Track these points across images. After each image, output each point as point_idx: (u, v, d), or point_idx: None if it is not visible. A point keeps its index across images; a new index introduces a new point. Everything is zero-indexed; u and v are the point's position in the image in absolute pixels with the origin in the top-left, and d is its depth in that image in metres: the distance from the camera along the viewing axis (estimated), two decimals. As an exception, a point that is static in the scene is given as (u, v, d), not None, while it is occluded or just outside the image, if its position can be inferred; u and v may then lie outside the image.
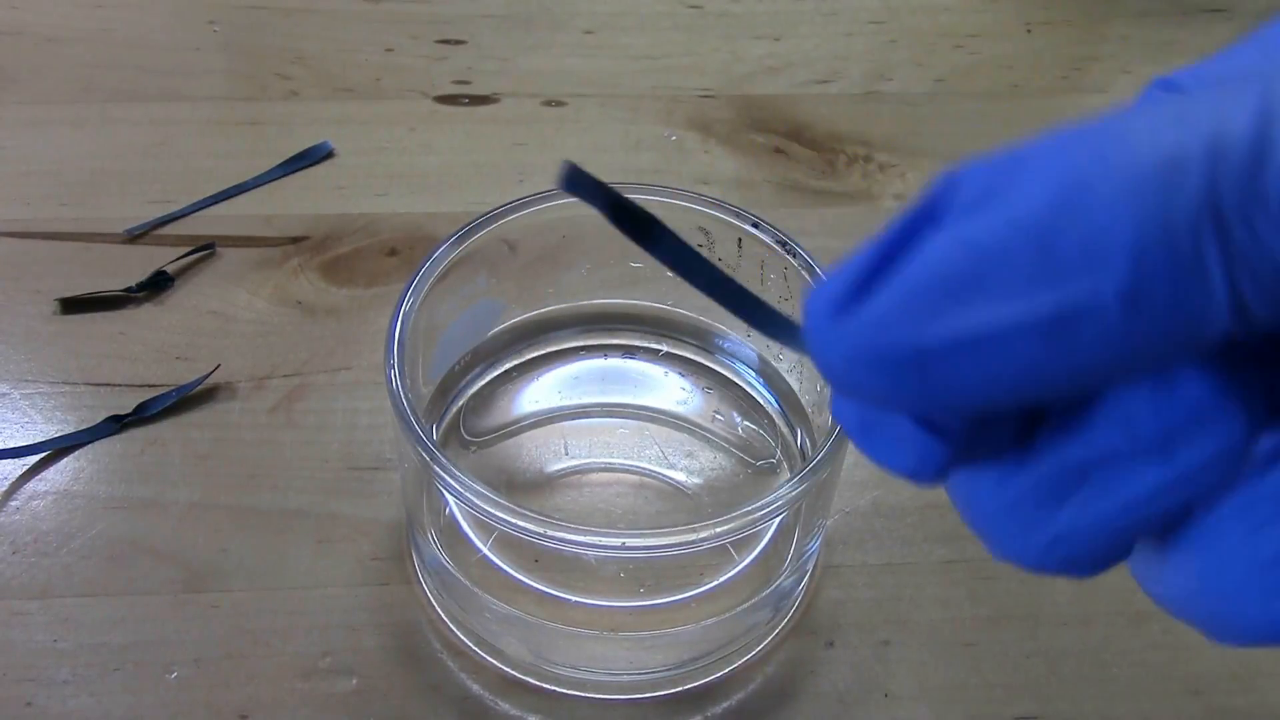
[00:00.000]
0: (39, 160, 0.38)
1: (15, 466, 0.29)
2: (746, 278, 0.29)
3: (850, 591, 0.28)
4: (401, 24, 0.44)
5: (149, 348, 0.32)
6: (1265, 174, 0.12)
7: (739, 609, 0.26)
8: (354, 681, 0.26)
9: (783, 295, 0.28)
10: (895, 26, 0.45)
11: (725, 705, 0.26)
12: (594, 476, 0.29)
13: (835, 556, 0.29)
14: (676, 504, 0.28)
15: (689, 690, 0.26)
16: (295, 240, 0.36)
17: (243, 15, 0.44)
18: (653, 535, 0.22)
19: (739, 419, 0.30)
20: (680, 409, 0.30)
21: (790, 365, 0.29)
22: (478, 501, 0.22)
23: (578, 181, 0.16)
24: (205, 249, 0.35)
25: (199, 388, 0.31)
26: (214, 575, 0.27)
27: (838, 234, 0.37)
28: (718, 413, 0.30)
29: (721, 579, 0.26)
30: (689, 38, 0.44)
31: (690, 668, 0.26)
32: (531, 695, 0.26)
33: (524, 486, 0.28)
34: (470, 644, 0.26)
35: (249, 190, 0.37)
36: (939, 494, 0.30)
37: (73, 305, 0.33)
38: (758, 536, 0.27)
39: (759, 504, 0.23)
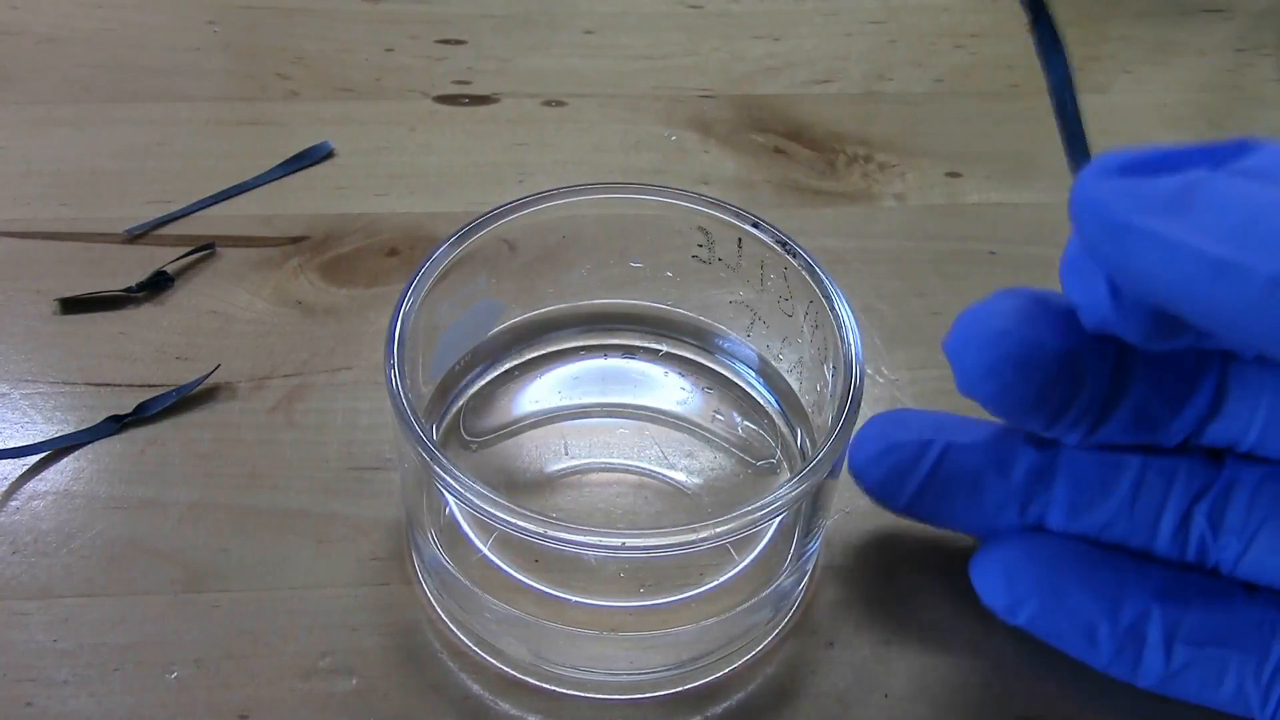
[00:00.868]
0: (39, 160, 0.38)
1: (15, 466, 0.29)
2: (746, 278, 0.29)
3: (850, 591, 0.28)
4: (401, 24, 0.44)
5: (149, 348, 0.32)
6: None
7: (739, 609, 0.26)
8: (354, 681, 0.26)
9: (783, 295, 0.28)
10: (895, 26, 0.45)
11: (725, 705, 0.26)
12: (594, 476, 0.29)
13: (835, 556, 0.29)
14: (676, 504, 0.28)
15: (689, 690, 0.26)
16: (295, 240, 0.36)
17: (243, 15, 0.44)
18: (653, 535, 0.22)
19: (739, 419, 0.30)
20: (680, 409, 0.30)
21: (790, 365, 0.29)
22: (478, 501, 0.22)
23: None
24: (205, 249, 0.35)
25: (199, 388, 0.31)
26: (214, 575, 0.27)
27: (838, 234, 0.37)
28: (718, 413, 0.30)
29: (721, 579, 0.26)
30: (689, 38, 0.44)
31: (690, 668, 0.26)
32: (531, 695, 0.26)
33: (524, 486, 0.29)
34: (470, 644, 0.26)
35: (249, 190, 0.37)
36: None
37: (73, 305, 0.33)
38: (758, 536, 0.27)
39: (759, 504, 0.23)
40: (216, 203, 0.37)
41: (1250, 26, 0.46)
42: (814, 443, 0.28)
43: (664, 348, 0.31)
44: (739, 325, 0.30)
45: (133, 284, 0.34)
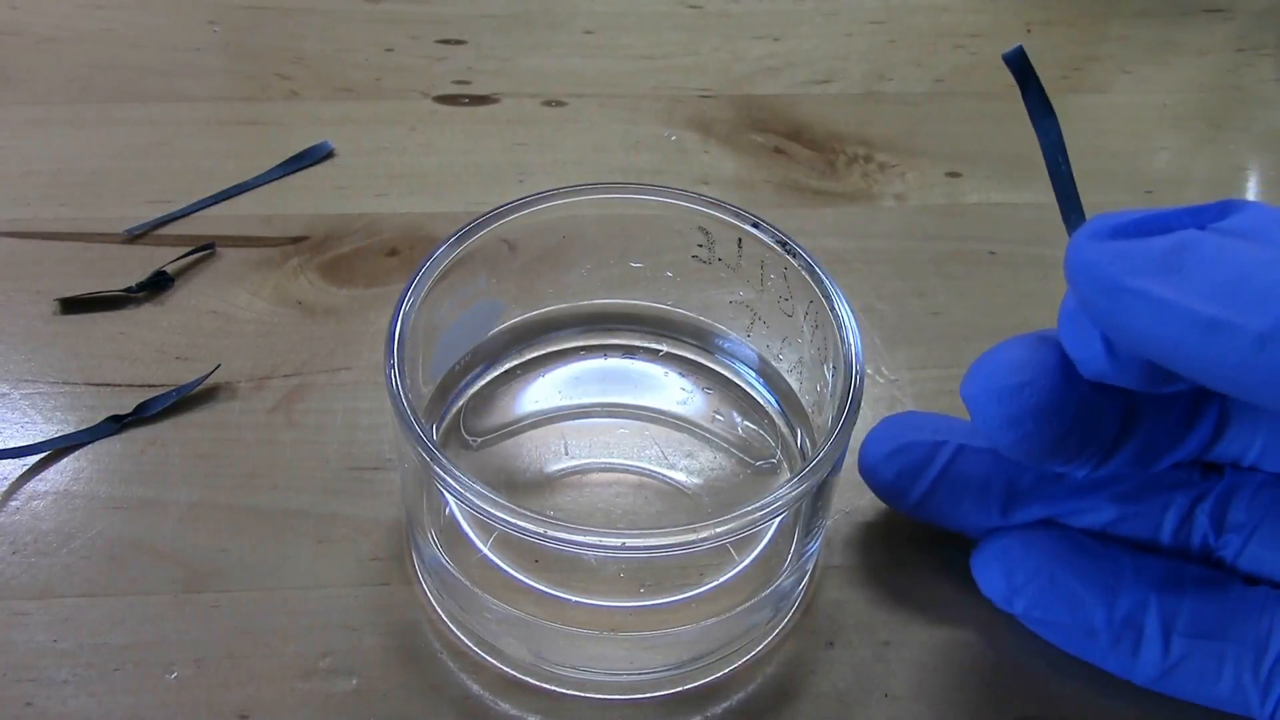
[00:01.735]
0: (39, 160, 0.38)
1: (15, 466, 0.29)
2: (746, 278, 0.29)
3: (850, 591, 0.28)
4: (401, 24, 0.44)
5: (149, 348, 0.32)
6: None
7: (739, 609, 0.26)
8: (354, 681, 0.26)
9: (783, 295, 0.28)
10: (895, 26, 0.45)
11: (725, 705, 0.26)
12: (594, 476, 0.29)
13: (835, 556, 0.29)
14: (676, 504, 0.28)
15: (689, 690, 0.26)
16: (295, 240, 0.36)
17: (243, 15, 0.44)
18: (653, 535, 0.22)
19: (739, 419, 0.30)
20: (680, 409, 0.30)
21: (790, 365, 0.29)
22: (478, 501, 0.22)
23: (1021, 64, 0.22)
24: (205, 249, 0.35)
25: (199, 388, 0.31)
26: (214, 575, 0.27)
27: (838, 234, 0.37)
28: (718, 413, 0.30)
29: (721, 579, 0.26)
30: (689, 38, 0.44)
31: (690, 668, 0.26)
32: (531, 695, 0.26)
33: (524, 486, 0.29)
34: (470, 644, 0.26)
35: (249, 190, 0.37)
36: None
37: (73, 305, 0.33)
38: (758, 536, 0.27)
39: (759, 504, 0.23)
40: (216, 203, 0.37)
41: (1250, 26, 0.46)
42: (814, 443, 0.28)
43: (664, 348, 0.31)
44: (739, 325, 0.30)
45: (133, 284, 0.34)
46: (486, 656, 0.26)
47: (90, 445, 0.30)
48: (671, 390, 0.30)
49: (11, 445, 0.30)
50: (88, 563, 0.28)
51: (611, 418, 0.30)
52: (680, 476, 0.29)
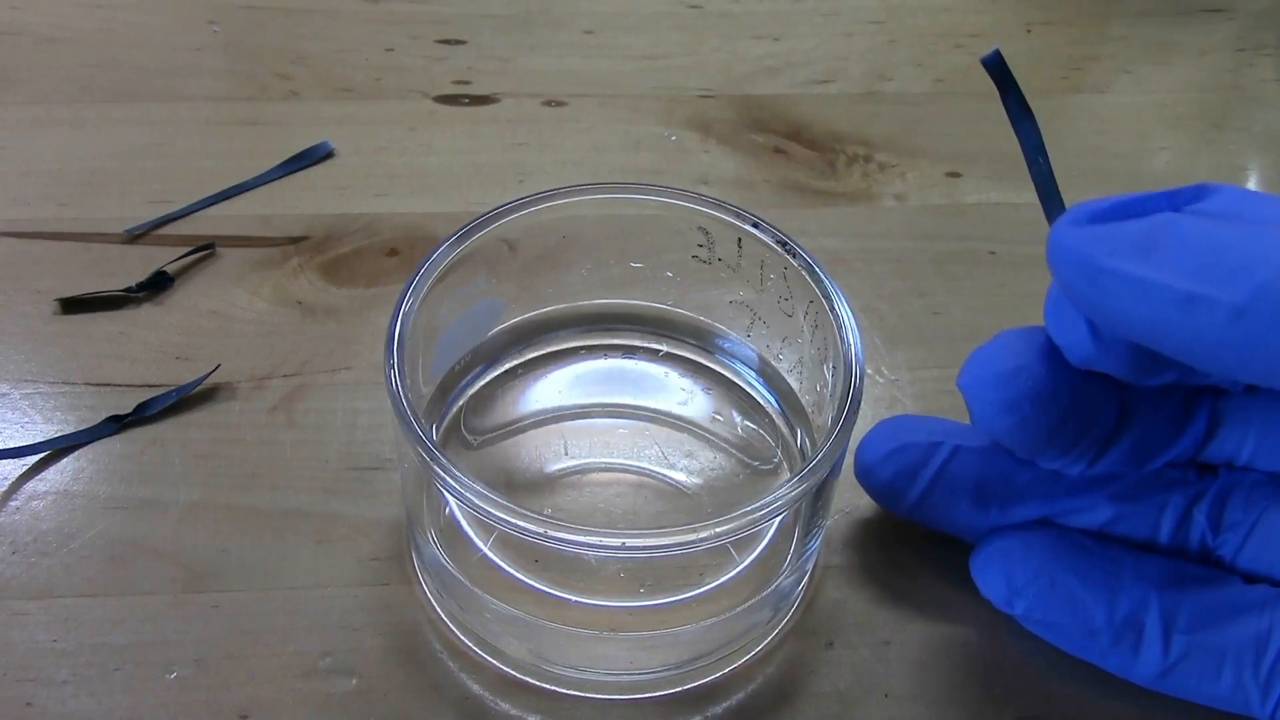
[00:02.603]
0: (39, 160, 0.38)
1: (15, 466, 0.29)
2: (747, 278, 0.29)
3: (850, 591, 0.28)
4: (401, 24, 0.44)
5: (149, 348, 0.32)
6: None
7: (739, 609, 0.26)
8: (354, 681, 0.26)
9: (783, 295, 0.28)
10: (895, 26, 0.45)
11: (725, 705, 0.26)
12: (594, 476, 0.29)
13: (835, 556, 0.29)
14: (676, 504, 0.28)
15: (689, 690, 0.26)
16: (295, 240, 0.36)
17: (243, 15, 0.44)
18: (653, 535, 0.22)
19: (739, 419, 0.30)
20: (680, 409, 0.30)
21: (790, 365, 0.29)
22: (478, 501, 0.22)
23: (999, 69, 0.23)
24: (205, 249, 0.35)
25: (199, 388, 0.31)
26: (214, 575, 0.27)
27: (838, 234, 0.37)
28: (718, 413, 0.30)
29: (721, 579, 0.26)
30: (689, 38, 0.44)
31: (690, 668, 0.26)
32: (531, 695, 0.26)
33: (524, 486, 0.29)
34: (470, 644, 0.26)
35: (249, 190, 0.37)
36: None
37: (73, 305, 0.33)
38: (758, 536, 0.27)
39: (759, 504, 0.23)
40: (216, 203, 0.37)
41: (1250, 26, 0.46)
42: (814, 443, 0.28)
43: (664, 348, 0.31)
44: (739, 325, 0.30)
45: (133, 284, 0.34)
46: (486, 656, 0.26)
47: (90, 445, 0.30)
48: (671, 390, 0.30)
49: (11, 445, 0.30)
50: (88, 563, 0.28)
51: (611, 418, 0.30)
52: (680, 476, 0.29)
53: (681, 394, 0.30)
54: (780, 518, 0.24)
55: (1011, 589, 0.25)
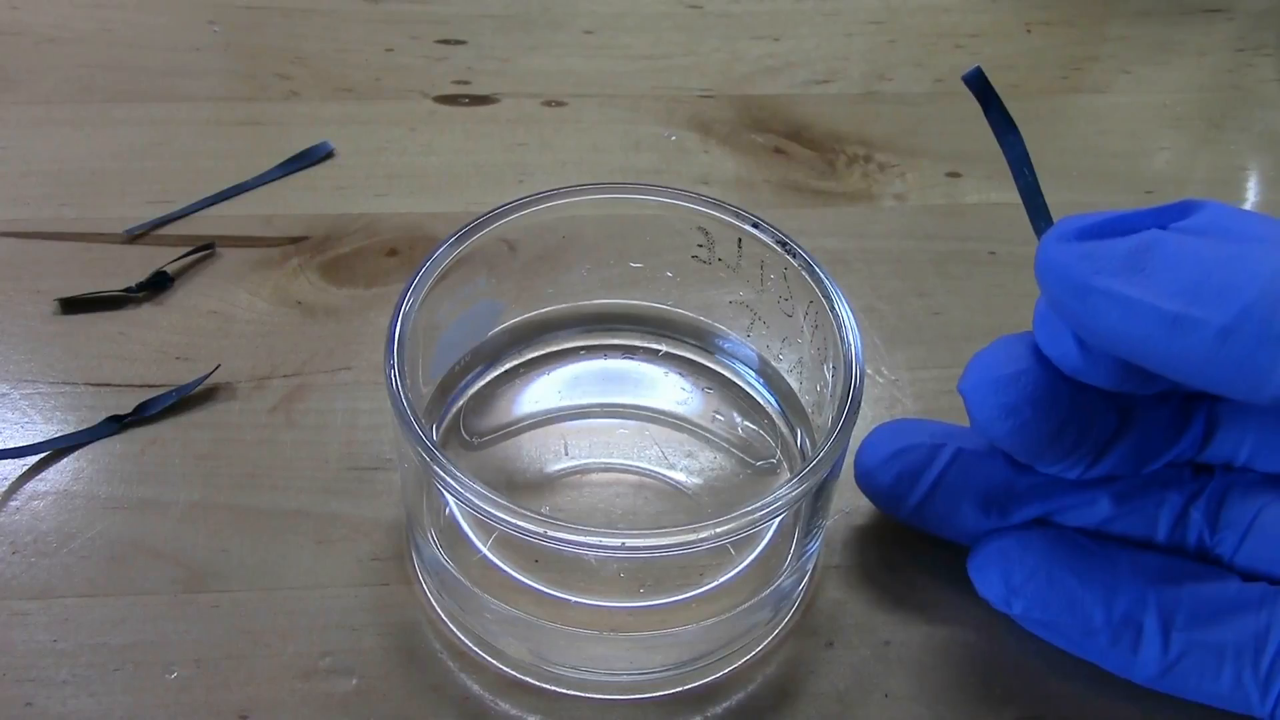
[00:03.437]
0: (39, 160, 0.38)
1: (15, 466, 0.29)
2: (747, 278, 0.29)
3: (850, 591, 0.28)
4: (401, 24, 0.44)
5: (149, 348, 0.32)
6: None
7: (739, 609, 0.26)
8: (354, 681, 0.26)
9: (783, 295, 0.28)
10: (895, 26, 0.45)
11: (725, 705, 0.26)
12: (594, 476, 0.29)
13: (835, 556, 0.29)
14: (676, 504, 0.28)
15: (689, 690, 0.26)
16: (295, 240, 0.36)
17: (243, 15, 0.44)
18: (653, 535, 0.22)
19: (739, 419, 0.30)
20: (680, 409, 0.30)
21: (790, 365, 0.29)
22: (478, 501, 0.22)
23: (981, 84, 0.23)
24: (205, 249, 0.35)
25: (199, 388, 0.31)
26: (214, 575, 0.27)
27: (838, 234, 0.37)
28: (718, 413, 0.30)
29: (721, 579, 0.26)
30: (689, 38, 0.44)
31: (690, 668, 0.26)
32: (531, 695, 0.26)
33: (524, 486, 0.29)
34: (470, 644, 0.26)
35: (249, 190, 0.37)
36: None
37: (73, 305, 0.33)
38: (758, 536, 0.27)
39: (759, 504, 0.23)
40: (216, 203, 0.37)
41: (1250, 26, 0.46)
42: (814, 443, 0.28)
43: (664, 348, 0.31)
44: (739, 325, 0.30)
45: (133, 284, 0.34)
46: (486, 656, 0.26)
47: (90, 445, 0.30)
48: (671, 390, 0.30)
49: (11, 445, 0.30)
50: (88, 563, 0.28)
51: (611, 418, 0.30)
52: (680, 476, 0.29)
53: (681, 394, 0.30)
54: (780, 518, 0.24)
55: (1009, 589, 0.25)
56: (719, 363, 0.31)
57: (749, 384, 0.30)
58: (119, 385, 0.31)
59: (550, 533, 0.22)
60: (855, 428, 0.24)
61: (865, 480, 0.27)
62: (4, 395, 0.31)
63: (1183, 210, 0.20)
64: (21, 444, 0.30)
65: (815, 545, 0.26)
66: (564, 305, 0.31)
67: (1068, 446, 0.23)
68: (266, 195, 0.37)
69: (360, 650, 0.26)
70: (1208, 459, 0.25)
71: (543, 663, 0.26)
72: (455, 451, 0.29)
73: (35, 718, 0.25)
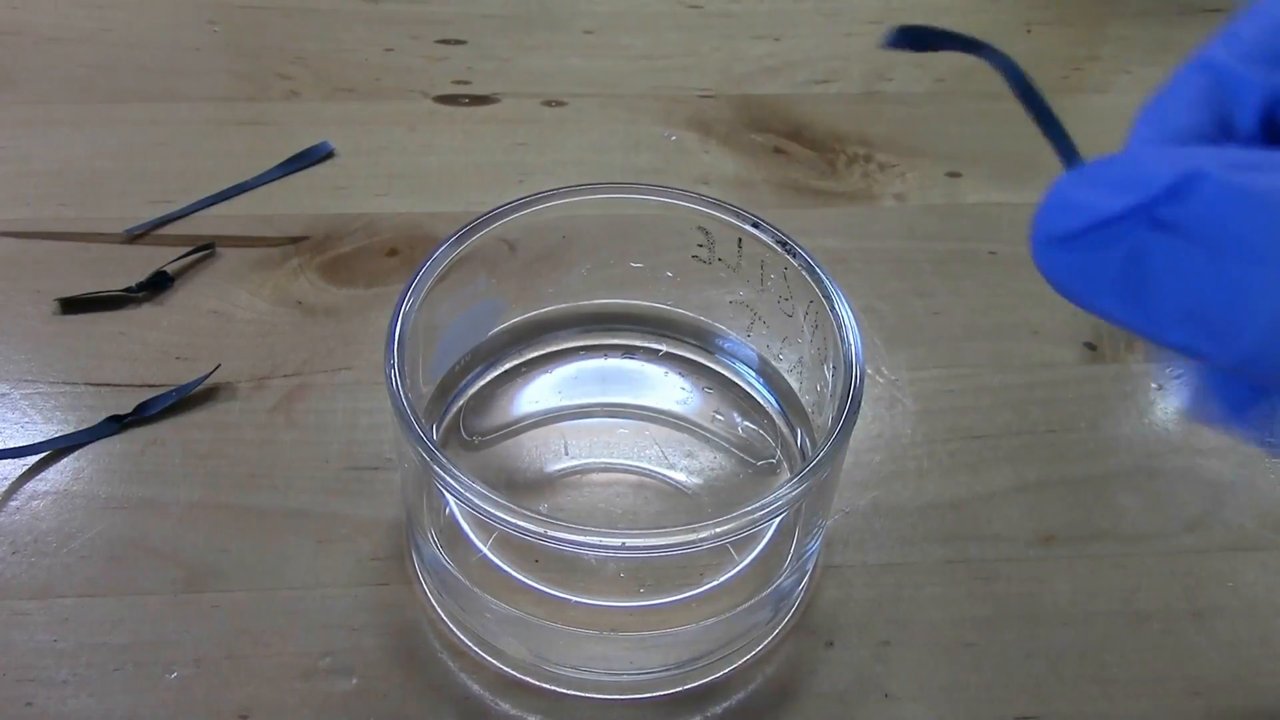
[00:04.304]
0: (39, 160, 0.38)
1: (15, 466, 0.29)
2: (746, 278, 0.29)
3: (850, 591, 0.28)
4: (401, 24, 0.44)
5: (149, 348, 0.32)
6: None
7: (739, 609, 0.26)
8: (354, 681, 0.26)
9: (783, 295, 0.28)
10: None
11: (725, 705, 0.26)
12: (594, 476, 0.29)
13: (835, 556, 0.29)
14: (676, 504, 0.28)
15: (689, 690, 0.26)
16: (295, 240, 0.36)
17: (243, 15, 0.44)
18: (653, 535, 0.22)
19: (739, 419, 0.30)
20: (680, 409, 0.30)
21: (790, 365, 0.29)
22: (478, 501, 0.22)
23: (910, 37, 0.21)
24: (205, 249, 0.35)
25: (199, 388, 0.31)
26: (214, 575, 0.27)
27: (838, 234, 0.37)
28: (718, 413, 0.30)
29: (721, 579, 0.26)
30: (689, 38, 0.44)
31: (690, 668, 0.26)
32: (531, 695, 0.26)
33: (524, 486, 0.28)
34: (470, 644, 0.26)
35: (249, 190, 0.37)
36: (938, 494, 0.30)
37: (73, 305, 0.33)
38: (758, 536, 0.27)
39: (759, 504, 0.23)
40: (216, 203, 0.37)
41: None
42: (814, 443, 0.28)
43: (664, 348, 0.31)
44: (739, 325, 0.30)
45: (133, 284, 0.34)
46: (486, 656, 0.26)
47: (90, 445, 0.30)
48: (671, 390, 0.30)
49: (11, 445, 0.30)
50: (88, 563, 0.28)
51: (611, 418, 0.30)
52: (680, 476, 0.29)
53: (681, 394, 0.30)
54: (780, 518, 0.24)
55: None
56: (719, 363, 0.31)
57: (749, 384, 0.30)
58: (119, 385, 0.31)
59: (550, 533, 0.22)
60: (855, 428, 0.24)
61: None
62: (4, 395, 0.31)
63: (1173, 192, 0.16)
64: (21, 444, 0.30)
65: (815, 545, 0.26)
66: (564, 305, 0.31)
67: None
68: (266, 195, 0.37)
69: (360, 650, 0.26)
70: None
71: (543, 663, 0.26)
72: (455, 451, 0.29)
73: (35, 718, 0.25)
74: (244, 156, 0.38)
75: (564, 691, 0.26)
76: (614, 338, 0.31)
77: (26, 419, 0.31)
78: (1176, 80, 0.19)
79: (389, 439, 0.30)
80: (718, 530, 0.22)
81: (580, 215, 0.29)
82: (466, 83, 0.42)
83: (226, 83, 0.41)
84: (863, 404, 0.25)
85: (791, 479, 0.23)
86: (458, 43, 0.43)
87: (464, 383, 0.30)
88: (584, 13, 0.45)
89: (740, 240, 0.28)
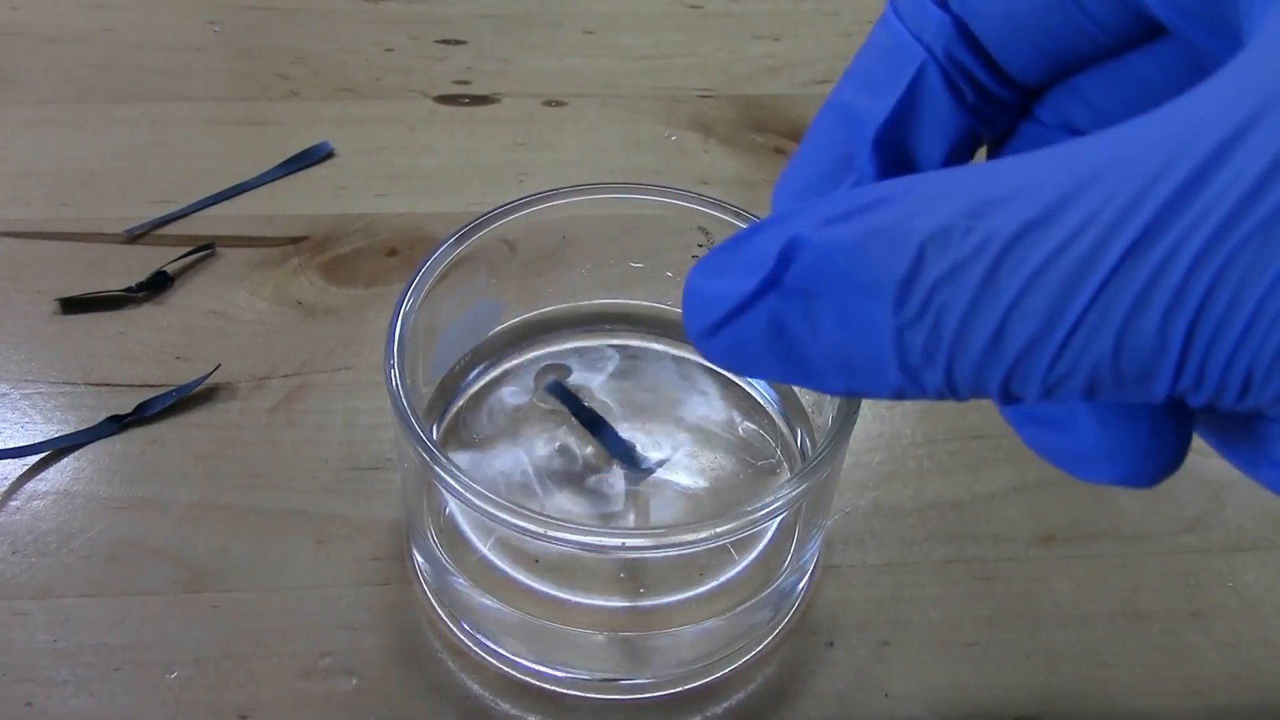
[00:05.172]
0: (39, 160, 0.38)
1: (15, 466, 0.29)
2: (746, 278, 0.29)
3: (850, 591, 0.28)
4: (401, 24, 0.44)
5: (149, 348, 0.32)
6: None
7: (739, 609, 0.26)
8: (354, 681, 0.26)
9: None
10: (895, 26, 0.45)
11: (725, 705, 0.26)
12: (594, 476, 0.29)
13: (835, 556, 0.29)
14: (676, 504, 0.28)
15: (689, 690, 0.26)
16: (295, 240, 0.36)
17: (243, 15, 0.44)
18: (653, 535, 0.22)
19: (739, 419, 0.30)
20: (680, 409, 0.30)
21: (790, 365, 0.29)
22: (478, 501, 0.22)
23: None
24: (205, 249, 0.35)
25: (199, 388, 0.31)
26: (214, 575, 0.27)
27: (838, 234, 0.37)
28: (718, 413, 0.30)
29: (721, 579, 0.26)
30: (689, 38, 0.44)
31: (690, 668, 0.26)
32: (531, 695, 0.26)
33: (524, 487, 0.28)
34: (470, 644, 0.26)
35: (249, 190, 0.37)
36: (938, 494, 0.30)
37: (73, 305, 0.33)
38: (758, 536, 0.27)
39: (759, 504, 0.23)
40: (216, 203, 0.37)
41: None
42: (814, 443, 0.28)
43: (664, 348, 0.31)
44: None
45: (133, 284, 0.34)
46: (486, 656, 0.26)
47: (90, 445, 0.30)
48: (671, 390, 0.30)
49: (11, 445, 0.30)
50: (88, 563, 0.28)
51: (611, 418, 0.30)
52: (680, 476, 0.29)
53: (681, 394, 0.30)
54: (780, 518, 0.24)
55: None
56: (719, 363, 0.31)
57: (749, 384, 0.30)
58: (119, 385, 0.31)
59: (550, 533, 0.22)
60: (855, 428, 0.24)
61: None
62: (4, 395, 0.31)
63: (785, 261, 0.16)
64: (21, 444, 0.30)
65: (815, 545, 0.26)
66: (564, 305, 0.31)
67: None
68: (266, 195, 0.37)
69: (360, 650, 0.26)
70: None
71: (543, 663, 0.26)
72: (455, 451, 0.29)
73: (35, 718, 0.25)
74: (244, 156, 0.38)
75: (564, 691, 0.26)
76: (614, 338, 0.31)
77: (26, 419, 0.31)
78: (814, 126, 0.19)
79: (389, 439, 0.30)
80: (718, 530, 0.22)
81: (580, 215, 0.29)
82: (467, 83, 0.42)
83: (226, 83, 0.41)
84: (863, 404, 0.25)
85: (791, 479, 0.23)
86: (458, 43, 0.43)
87: (464, 383, 0.30)
88: (584, 13, 0.45)
89: (740, 240, 0.28)
